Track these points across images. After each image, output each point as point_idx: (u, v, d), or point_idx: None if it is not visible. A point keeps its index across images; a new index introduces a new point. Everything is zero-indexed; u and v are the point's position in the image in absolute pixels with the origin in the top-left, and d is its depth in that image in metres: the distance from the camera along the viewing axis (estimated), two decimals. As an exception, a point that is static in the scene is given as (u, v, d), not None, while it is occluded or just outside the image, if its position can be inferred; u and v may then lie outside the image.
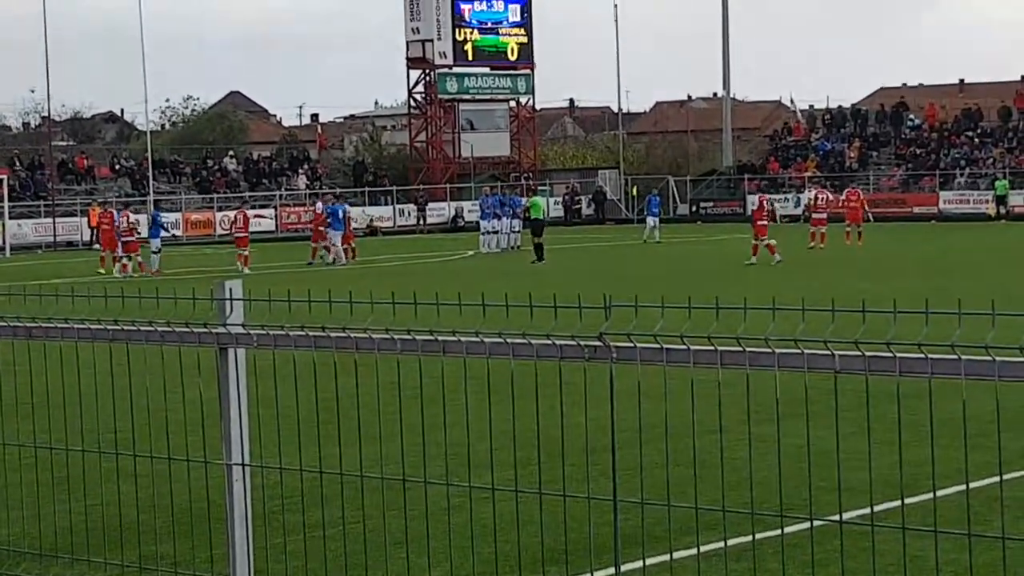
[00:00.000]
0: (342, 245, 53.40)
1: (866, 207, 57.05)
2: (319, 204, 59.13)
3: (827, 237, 52.00)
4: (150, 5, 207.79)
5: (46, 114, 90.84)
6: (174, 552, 9.78)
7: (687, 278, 38.80)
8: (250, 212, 57.32)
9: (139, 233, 50.10)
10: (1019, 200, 75.10)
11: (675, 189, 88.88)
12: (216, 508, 7.95)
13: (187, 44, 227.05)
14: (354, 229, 79.30)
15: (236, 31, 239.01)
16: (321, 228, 53.99)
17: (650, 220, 62.52)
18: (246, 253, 50.46)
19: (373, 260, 55.19)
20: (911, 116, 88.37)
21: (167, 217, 75.49)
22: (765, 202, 48.77)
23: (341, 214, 53.71)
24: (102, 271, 48.07)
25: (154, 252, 49.80)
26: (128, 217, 50.30)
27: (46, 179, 78.77)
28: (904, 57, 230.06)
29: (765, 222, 46.27)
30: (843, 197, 58.11)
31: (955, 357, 5.32)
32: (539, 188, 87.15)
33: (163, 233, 52.52)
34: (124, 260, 48.38)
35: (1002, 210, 74.13)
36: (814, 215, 54.39)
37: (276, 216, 79.23)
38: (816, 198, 56.00)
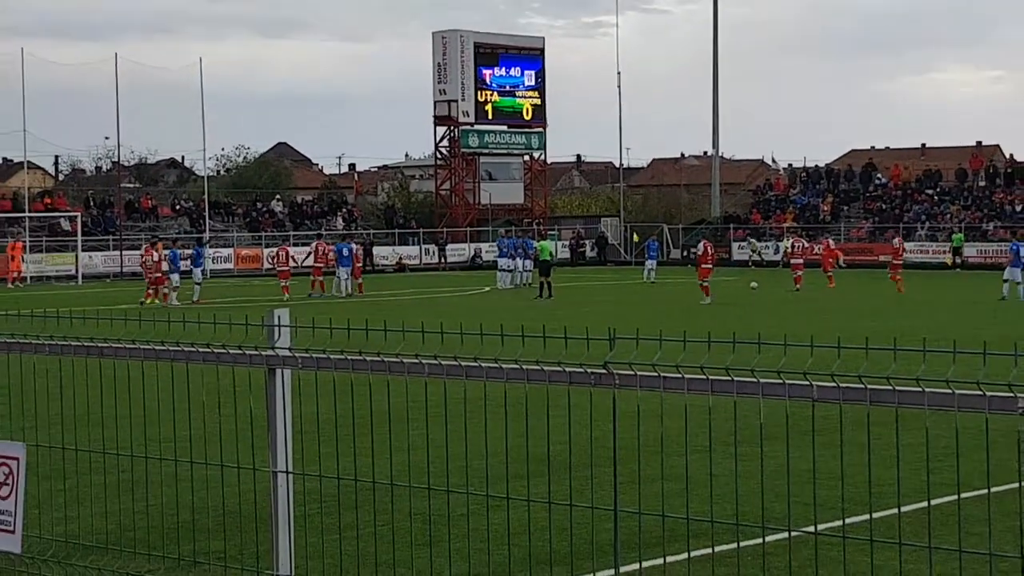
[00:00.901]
0: (355, 279, 53.46)
1: (839, 256, 56.71)
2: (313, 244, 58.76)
3: (803, 280, 51.91)
4: (209, 64, 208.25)
5: (116, 159, 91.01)
6: (224, 548, 9.76)
7: (681, 314, 38.76)
8: (292, 249, 57.18)
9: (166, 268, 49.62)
10: (973, 252, 74.96)
11: (669, 236, 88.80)
12: (261, 510, 7.93)
13: (240, 99, 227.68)
14: (383, 265, 79.88)
15: (283, 89, 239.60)
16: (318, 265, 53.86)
17: (648, 263, 62.40)
18: (286, 284, 50.61)
19: (402, 293, 55.17)
20: (878, 175, 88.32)
21: (220, 252, 76.00)
22: (710, 247, 48.88)
23: (346, 252, 53.76)
24: (146, 301, 47.53)
25: (196, 283, 49.77)
26: (152, 255, 50.31)
27: (115, 217, 78.95)
28: (873, 123, 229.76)
29: (709, 265, 46.64)
30: (820, 247, 57.84)
31: (919, 390, 5.32)
32: (548, 232, 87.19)
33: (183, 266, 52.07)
34: (164, 290, 48.10)
35: (958, 259, 74.02)
36: (792, 261, 54.29)
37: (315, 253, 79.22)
38: (793, 246, 55.94)
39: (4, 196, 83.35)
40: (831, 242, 61.41)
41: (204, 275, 51.93)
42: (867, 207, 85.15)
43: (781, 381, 5.60)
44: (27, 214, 74.93)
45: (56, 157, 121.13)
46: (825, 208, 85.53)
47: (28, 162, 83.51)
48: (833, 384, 5.52)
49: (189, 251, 57.03)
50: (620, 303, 45.91)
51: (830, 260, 55.43)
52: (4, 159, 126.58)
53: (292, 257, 54.28)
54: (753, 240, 45.28)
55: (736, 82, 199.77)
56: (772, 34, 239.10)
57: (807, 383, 5.56)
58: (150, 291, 48.23)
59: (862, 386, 5.45)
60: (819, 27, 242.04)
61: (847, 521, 8.53)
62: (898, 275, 52.05)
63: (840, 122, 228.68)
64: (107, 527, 10.16)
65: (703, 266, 46.42)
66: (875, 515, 9.53)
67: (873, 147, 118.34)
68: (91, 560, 8.63)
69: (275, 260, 56.04)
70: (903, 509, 8.22)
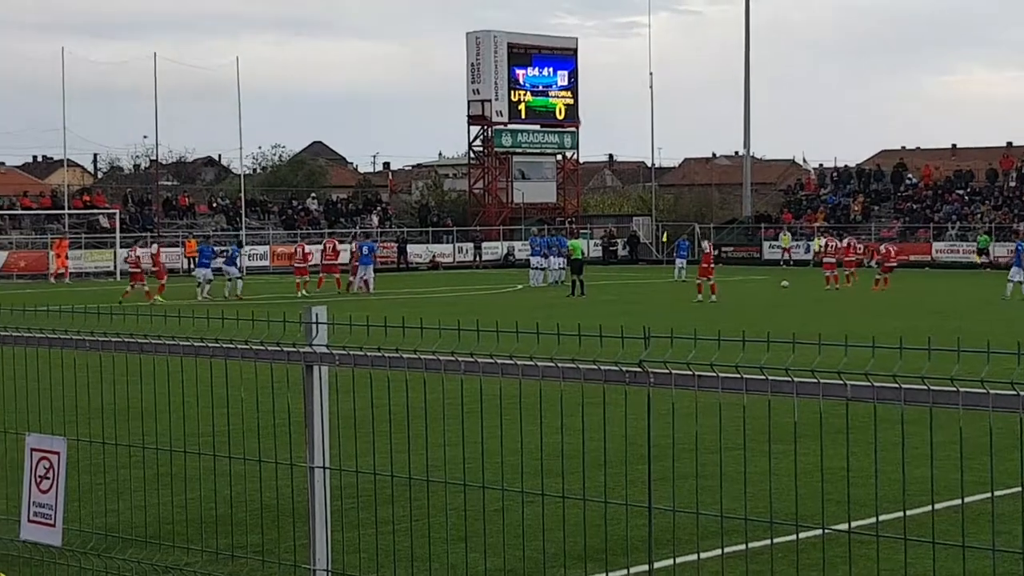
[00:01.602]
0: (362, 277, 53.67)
1: (890, 253, 56.00)
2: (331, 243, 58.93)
3: (838, 279, 51.78)
4: (246, 63, 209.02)
5: (154, 157, 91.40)
6: (261, 542, 9.79)
7: (713, 313, 38.68)
8: (309, 247, 57.33)
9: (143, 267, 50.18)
10: (1003, 251, 74.56)
11: (700, 235, 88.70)
12: (298, 505, 7.95)
13: (277, 98, 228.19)
14: (417, 263, 79.96)
15: (319, 88, 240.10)
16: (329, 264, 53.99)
17: (678, 262, 62.28)
18: (303, 280, 50.92)
19: (435, 290, 55.22)
20: (909, 175, 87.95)
21: (256, 249, 76.21)
22: (711, 248, 49.22)
23: (366, 250, 53.97)
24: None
25: (229, 279, 50.04)
26: (136, 251, 50.86)
27: (153, 214, 79.26)
28: (903, 123, 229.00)
29: (709, 265, 46.95)
30: (843, 245, 57.58)
31: (954, 389, 5.29)
32: (580, 231, 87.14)
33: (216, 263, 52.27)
34: (144, 288, 47.43)
35: (984, 259, 73.60)
36: (825, 260, 54.13)
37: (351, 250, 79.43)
38: (826, 245, 55.78)
39: (44, 193, 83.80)
40: (854, 241, 61.26)
41: (240, 272, 52.03)
42: (898, 207, 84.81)
43: (815, 380, 5.58)
44: (67, 211, 75.33)
45: (95, 155, 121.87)
46: (856, 208, 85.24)
47: (68, 160, 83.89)
48: (867, 383, 5.50)
49: (225, 248, 57.22)
50: (652, 302, 45.85)
51: (856, 259, 55.40)
52: (44, 157, 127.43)
53: (307, 254, 54.38)
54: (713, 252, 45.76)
55: (767, 82, 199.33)
56: (803, 34, 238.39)
57: (841, 382, 5.54)
58: (128, 288, 48.30)
59: (896, 386, 5.43)
60: (850, 28, 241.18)
61: (880, 519, 8.51)
62: (847, 272, 52.73)
63: (871, 122, 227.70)
64: (146, 520, 10.20)
65: (704, 265, 46.81)
66: (908, 513, 9.49)
67: (904, 147, 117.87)
68: (130, 553, 8.67)
69: (293, 257, 55.94)
70: (936, 507, 8.18)
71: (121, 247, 71.29)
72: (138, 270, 49.35)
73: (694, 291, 46.67)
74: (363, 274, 53.19)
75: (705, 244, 49.88)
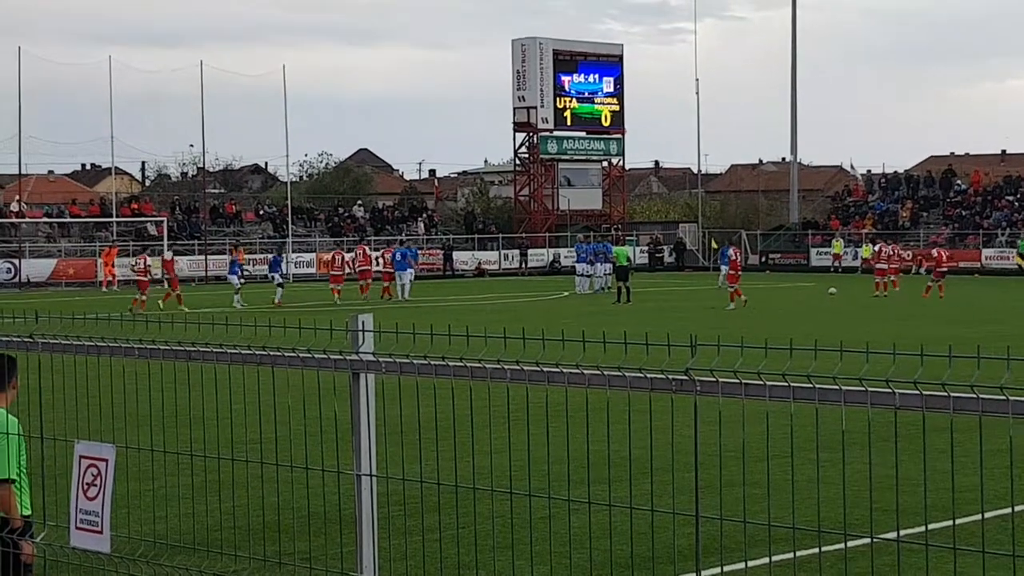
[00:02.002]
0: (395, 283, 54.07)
1: (915, 263, 56.12)
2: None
3: (887, 286, 51.56)
4: (292, 72, 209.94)
5: (201, 165, 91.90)
6: (309, 549, 9.82)
7: (760, 320, 38.57)
8: (347, 255, 57.88)
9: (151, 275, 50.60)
10: (1054, 258, 74.01)
11: (747, 242, 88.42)
12: (344, 512, 7.98)
13: (323, 106, 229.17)
14: (463, 270, 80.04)
15: (365, 96, 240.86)
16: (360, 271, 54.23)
17: (723, 268, 62.03)
18: (339, 288, 51.55)
19: (481, 298, 55.26)
20: (958, 181, 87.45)
21: (303, 257, 76.56)
22: (738, 254, 49.08)
23: (400, 256, 54.35)
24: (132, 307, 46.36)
25: (278, 285, 50.56)
26: (145, 260, 51.24)
27: (200, 221, 79.67)
28: (952, 129, 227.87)
29: (737, 272, 46.93)
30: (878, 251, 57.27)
31: (1003, 398, 5.25)
32: (626, 238, 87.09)
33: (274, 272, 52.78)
34: (142, 297, 47.59)
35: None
36: (877, 267, 53.88)
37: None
38: (879, 252, 55.53)
39: (92, 201, 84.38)
40: (898, 248, 61.08)
41: (284, 279, 52.43)
42: (947, 213, 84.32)
43: (863, 388, 5.55)
44: (115, 219, 75.84)
45: (143, 163, 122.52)
46: (904, 214, 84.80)
47: (115, 168, 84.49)
48: (916, 392, 5.47)
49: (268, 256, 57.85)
50: (698, 309, 45.74)
51: (898, 267, 55.32)
52: (92, 165, 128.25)
53: (347, 262, 54.93)
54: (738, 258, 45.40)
55: (814, 88, 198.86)
56: (850, 40, 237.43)
57: (889, 391, 5.51)
58: (137, 297, 48.57)
59: (945, 394, 5.40)
60: (898, 33, 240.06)
61: (929, 527, 8.46)
62: (891, 279, 52.86)
63: (919, 128, 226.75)
64: (194, 527, 10.25)
65: (731, 272, 46.85)
66: (957, 521, 9.43)
67: (953, 153, 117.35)
68: (178, 560, 8.71)
69: (331, 265, 56.22)
70: (986, 515, 8.13)
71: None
72: (146, 278, 49.52)
73: (717, 298, 46.56)
74: (400, 280, 53.63)
75: (731, 251, 49.69)
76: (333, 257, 55.50)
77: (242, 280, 50.67)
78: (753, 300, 51.06)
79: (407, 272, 53.86)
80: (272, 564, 9.20)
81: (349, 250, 76.76)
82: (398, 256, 54.44)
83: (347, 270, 54.51)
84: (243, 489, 10.11)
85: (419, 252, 68.11)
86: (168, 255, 53.66)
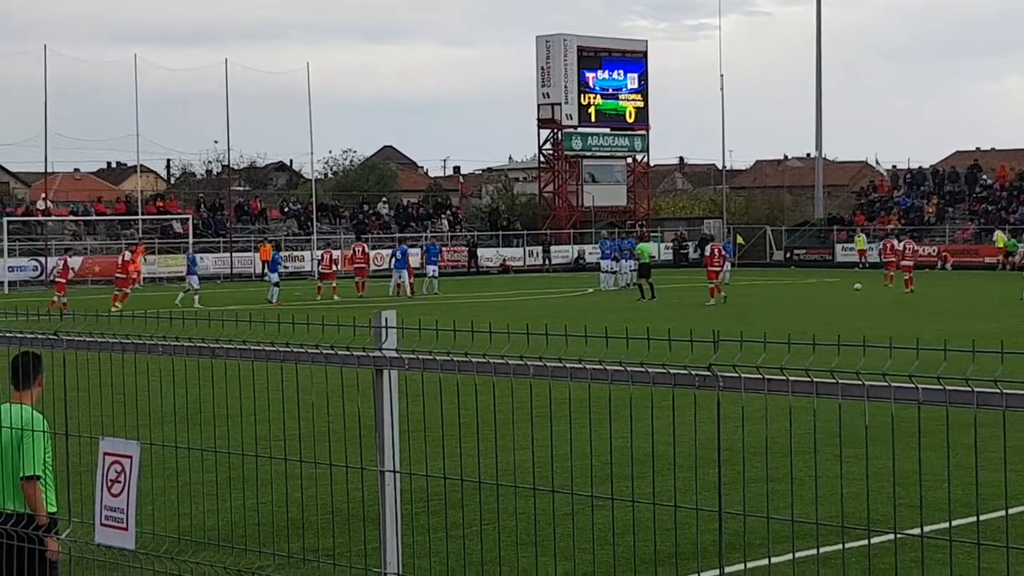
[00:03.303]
0: (408, 280, 54.75)
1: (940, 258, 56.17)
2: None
3: (915, 281, 51.43)
4: (316, 69, 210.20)
5: (226, 163, 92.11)
6: (332, 545, 9.84)
7: (782, 316, 38.49)
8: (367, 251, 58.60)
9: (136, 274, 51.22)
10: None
11: (771, 238, 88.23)
12: (368, 509, 7.98)
13: (347, 103, 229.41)
14: (487, 267, 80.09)
15: (389, 93, 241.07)
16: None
17: (726, 265, 61.46)
18: (333, 284, 52.95)
19: (505, 294, 55.28)
20: (984, 176, 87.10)
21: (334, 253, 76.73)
22: (717, 249, 49.25)
23: (400, 255, 55.36)
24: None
25: (272, 284, 50.76)
26: (66, 261, 51.53)
27: (225, 219, 79.87)
28: (977, 124, 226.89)
29: (717, 268, 47.01)
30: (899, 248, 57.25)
31: (1027, 392, 5.23)
32: (651, 234, 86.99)
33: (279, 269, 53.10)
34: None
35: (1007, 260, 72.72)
36: (903, 263, 53.77)
37: (420, 254, 79.58)
38: (905, 248, 55.41)
39: (118, 199, 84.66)
40: (895, 243, 61.25)
41: (280, 278, 52.52)
42: (972, 208, 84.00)
43: (886, 383, 5.53)
44: (140, 216, 76.07)
45: (168, 161, 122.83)
46: (930, 210, 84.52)
47: (141, 166, 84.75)
48: (939, 387, 5.45)
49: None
50: (722, 305, 45.68)
51: (895, 261, 55.44)
52: (118, 163, 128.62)
53: (334, 260, 55.98)
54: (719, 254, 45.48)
55: (839, 84, 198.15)
56: (875, 35, 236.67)
57: (912, 386, 5.50)
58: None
59: (969, 389, 5.38)
60: (922, 28, 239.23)
61: (953, 523, 8.43)
62: (891, 274, 53.36)
63: (944, 123, 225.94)
64: (219, 524, 10.28)
65: (710, 268, 47.03)
66: (982, 517, 9.40)
67: (978, 148, 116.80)
68: (203, 556, 8.73)
69: (341, 260, 56.69)
70: (1010, 511, 8.10)
71: (194, 252, 71.89)
72: (64, 280, 49.44)
73: (768, 295, 46.46)
74: (397, 279, 54.35)
75: (709, 247, 49.97)
76: (323, 256, 56.36)
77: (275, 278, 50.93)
78: (777, 296, 50.98)
79: (404, 271, 54.66)
80: (296, 560, 9.22)
81: (374, 247, 77.04)
82: (398, 255, 55.25)
83: (335, 268, 55.16)
84: (267, 486, 10.13)
85: (442, 248, 68.15)
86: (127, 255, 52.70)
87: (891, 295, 49.20)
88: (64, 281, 49.70)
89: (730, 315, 38.78)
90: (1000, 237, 74.55)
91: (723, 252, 49.83)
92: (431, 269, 56.54)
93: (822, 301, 45.76)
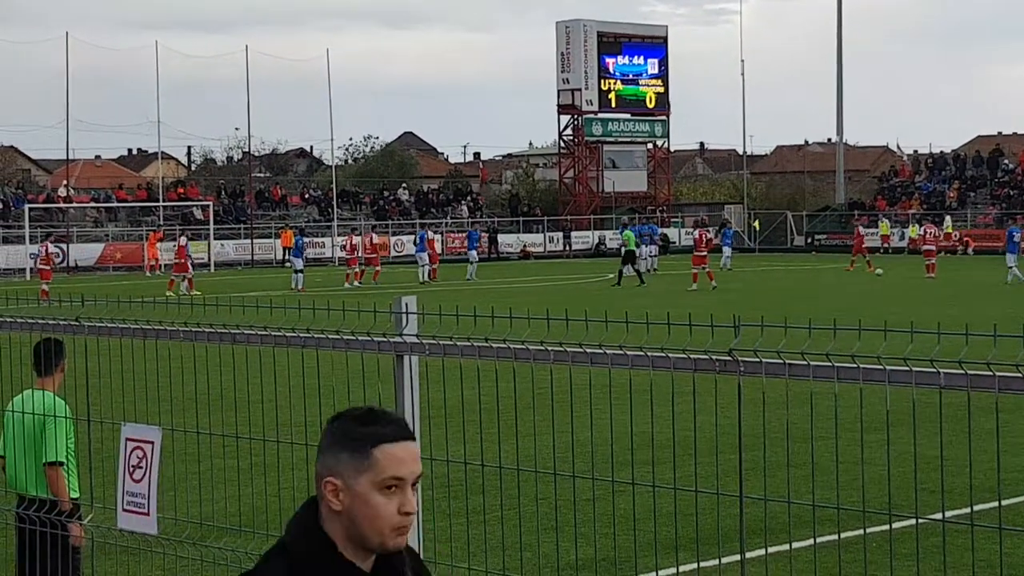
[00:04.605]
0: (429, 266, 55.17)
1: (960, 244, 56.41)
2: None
3: (936, 267, 51.28)
4: (337, 56, 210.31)
5: (247, 149, 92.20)
6: (353, 531, 9.83)
7: (805, 300, 38.42)
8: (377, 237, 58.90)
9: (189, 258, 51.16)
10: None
11: (792, 223, 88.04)
12: (390, 494, 7.98)
13: (368, 90, 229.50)
14: (508, 253, 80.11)
15: (409, 79, 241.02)
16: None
17: (725, 250, 61.25)
18: (357, 270, 53.28)
19: (526, 280, 55.27)
20: (1005, 161, 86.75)
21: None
22: (704, 235, 49.62)
23: (419, 240, 56.12)
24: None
25: (296, 271, 50.84)
26: (47, 248, 51.52)
27: (246, 206, 79.97)
28: (999, 109, 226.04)
29: (703, 253, 47.17)
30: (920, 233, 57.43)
31: (1049, 376, 5.21)
32: (672, 220, 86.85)
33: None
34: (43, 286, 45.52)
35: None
36: (924, 248, 53.64)
37: (443, 240, 79.60)
38: (925, 233, 55.31)
39: (140, 186, 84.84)
40: (861, 228, 61.96)
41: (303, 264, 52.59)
42: (994, 193, 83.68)
43: (908, 368, 5.52)
44: (161, 203, 76.23)
45: (189, 147, 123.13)
46: (951, 195, 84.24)
47: (162, 152, 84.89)
48: (961, 371, 5.43)
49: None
50: (742, 291, 45.61)
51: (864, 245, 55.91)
52: (139, 150, 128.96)
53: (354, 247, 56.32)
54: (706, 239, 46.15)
55: (860, 68, 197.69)
56: (896, 20, 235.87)
57: (934, 370, 5.48)
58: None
59: (990, 373, 5.36)
60: (944, 12, 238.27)
61: (975, 508, 8.42)
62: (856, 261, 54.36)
63: (966, 108, 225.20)
64: (240, 509, 10.30)
65: (696, 254, 47.24)
66: (1004, 502, 9.38)
67: (1000, 132, 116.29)
68: (225, 541, 8.75)
69: (354, 247, 56.68)
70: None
71: (215, 239, 71.94)
72: (48, 267, 48.96)
73: (789, 280, 46.37)
74: (422, 263, 54.71)
75: (697, 232, 50.19)
76: (346, 243, 57.49)
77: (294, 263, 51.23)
78: (799, 281, 50.86)
79: (425, 254, 54.83)
80: (318, 546, 9.22)
81: (395, 234, 77.11)
82: (417, 239, 55.50)
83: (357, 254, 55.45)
84: (289, 471, 10.15)
85: (480, 234, 67.92)
86: (182, 240, 53.16)
87: (916, 281, 49.07)
88: (48, 268, 49.38)
89: (751, 300, 38.72)
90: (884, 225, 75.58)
91: (711, 238, 50.23)
92: (472, 255, 56.81)
93: (844, 287, 45.63)
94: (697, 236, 49.37)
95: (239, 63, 77.73)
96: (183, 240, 52.11)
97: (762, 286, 47.97)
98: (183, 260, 50.36)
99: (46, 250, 50.96)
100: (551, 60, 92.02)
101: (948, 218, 78.70)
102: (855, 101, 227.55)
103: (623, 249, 53.41)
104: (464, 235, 78.11)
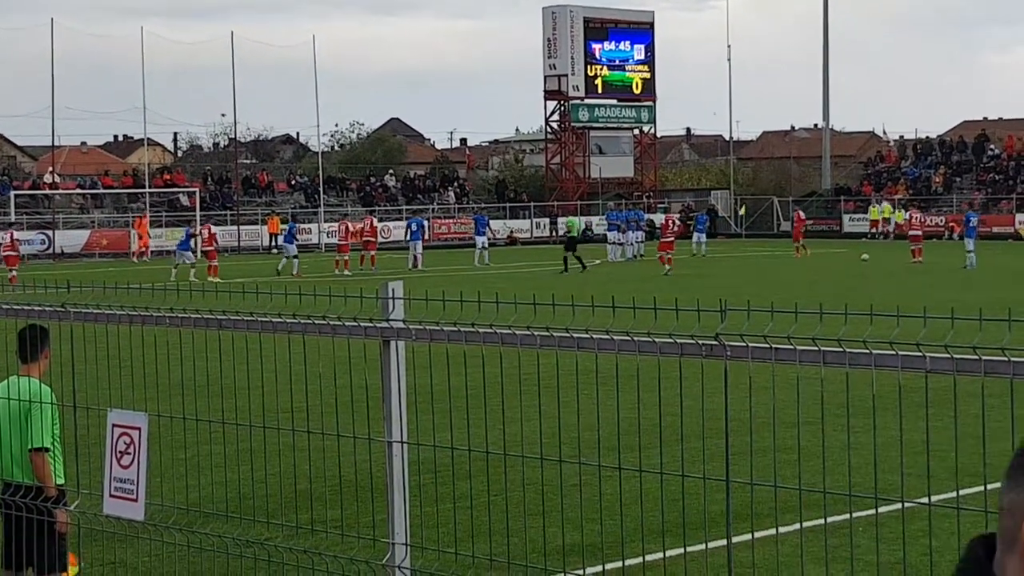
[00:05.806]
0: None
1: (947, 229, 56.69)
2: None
3: (923, 252, 51.34)
4: (322, 42, 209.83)
5: (233, 136, 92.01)
6: (341, 517, 9.85)
7: (792, 285, 38.46)
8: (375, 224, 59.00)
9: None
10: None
11: (779, 208, 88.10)
12: (376, 480, 8.00)
13: (354, 76, 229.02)
14: (497, 238, 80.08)
15: (396, 65, 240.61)
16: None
17: (696, 236, 61.31)
18: (346, 258, 52.91)
19: (512, 266, 55.25)
20: (991, 146, 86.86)
21: (334, 227, 76.67)
22: (671, 220, 50.16)
23: (415, 227, 56.59)
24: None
25: (290, 257, 50.86)
26: (12, 235, 51.86)
27: (232, 192, 79.83)
28: (985, 94, 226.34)
29: (671, 238, 47.60)
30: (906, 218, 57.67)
31: (1035, 361, 5.22)
32: (658, 205, 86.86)
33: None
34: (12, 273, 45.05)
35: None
36: (911, 233, 53.68)
37: (429, 226, 79.48)
38: (911, 218, 55.38)
39: (125, 172, 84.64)
40: (801, 213, 62.76)
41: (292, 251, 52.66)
42: (980, 178, 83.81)
43: (894, 352, 5.52)
44: (147, 190, 76.03)
45: (175, 134, 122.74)
46: (937, 180, 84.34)
47: (148, 139, 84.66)
48: (947, 355, 5.44)
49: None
50: (729, 275, 45.66)
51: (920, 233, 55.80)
52: (125, 136, 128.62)
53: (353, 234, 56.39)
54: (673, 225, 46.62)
55: (846, 54, 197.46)
56: (882, 5, 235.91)
57: (920, 354, 5.49)
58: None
59: (976, 357, 5.37)
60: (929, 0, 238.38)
61: (960, 492, 8.43)
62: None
63: (952, 93, 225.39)
64: (227, 495, 10.30)
65: (663, 239, 47.65)
66: (989, 487, 9.40)
67: (985, 118, 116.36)
68: (211, 527, 8.75)
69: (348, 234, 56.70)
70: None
71: (201, 225, 71.84)
72: (15, 253, 49.09)
73: (773, 265, 46.42)
74: (414, 251, 54.67)
75: (664, 217, 50.83)
76: (339, 227, 57.23)
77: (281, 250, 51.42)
78: (786, 266, 50.91)
79: (420, 242, 54.90)
80: (304, 531, 9.23)
81: (381, 220, 77.01)
82: (413, 226, 55.57)
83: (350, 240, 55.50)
84: (275, 457, 10.14)
85: (449, 221, 68.18)
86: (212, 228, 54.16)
87: (900, 266, 49.16)
88: (15, 254, 49.37)
89: (738, 285, 38.75)
90: (887, 208, 75.95)
91: (676, 223, 50.81)
92: (480, 240, 56.87)
93: (829, 271, 45.69)
94: (664, 221, 49.97)
95: (225, 49, 77.51)
96: (211, 228, 52.80)
97: (748, 271, 48.01)
98: (211, 247, 51.03)
99: (11, 236, 51.11)
100: (537, 46, 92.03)
101: (886, 204, 79.10)
102: (841, 87, 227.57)
103: (567, 236, 53.65)
104: (464, 222, 78.42)
